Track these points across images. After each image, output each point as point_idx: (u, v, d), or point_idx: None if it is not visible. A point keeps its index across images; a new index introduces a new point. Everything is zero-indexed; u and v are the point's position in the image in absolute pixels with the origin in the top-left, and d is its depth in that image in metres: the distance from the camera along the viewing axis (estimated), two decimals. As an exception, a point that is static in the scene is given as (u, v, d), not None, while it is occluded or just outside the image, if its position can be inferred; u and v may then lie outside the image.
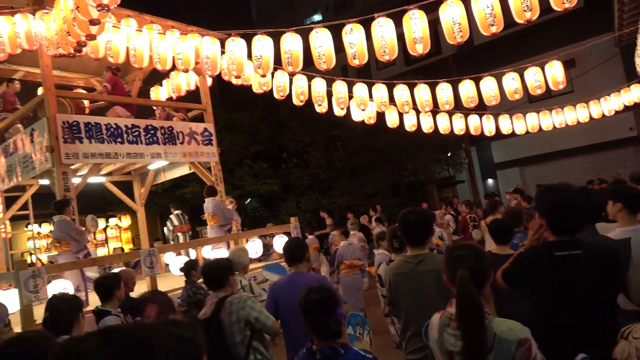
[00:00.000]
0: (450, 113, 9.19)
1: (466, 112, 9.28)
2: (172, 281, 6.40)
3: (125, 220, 17.26)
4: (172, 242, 9.29)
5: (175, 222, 9.45)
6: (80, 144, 6.11)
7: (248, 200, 17.71)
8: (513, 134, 10.16)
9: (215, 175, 7.86)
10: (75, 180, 6.53)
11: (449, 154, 18.33)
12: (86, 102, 7.43)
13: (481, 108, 8.64)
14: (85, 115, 6.80)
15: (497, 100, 7.43)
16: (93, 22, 3.71)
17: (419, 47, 4.98)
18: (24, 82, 7.86)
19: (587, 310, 2.01)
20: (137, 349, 0.81)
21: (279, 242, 7.69)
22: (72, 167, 6.43)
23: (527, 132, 10.19)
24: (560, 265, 2.06)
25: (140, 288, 6.05)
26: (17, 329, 4.87)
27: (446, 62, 17.62)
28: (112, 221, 17.20)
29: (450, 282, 1.90)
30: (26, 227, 12.98)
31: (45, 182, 7.29)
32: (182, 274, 5.19)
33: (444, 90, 7.63)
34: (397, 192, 17.12)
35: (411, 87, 7.80)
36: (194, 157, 7.52)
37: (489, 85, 7.45)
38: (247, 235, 7.78)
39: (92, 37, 4.10)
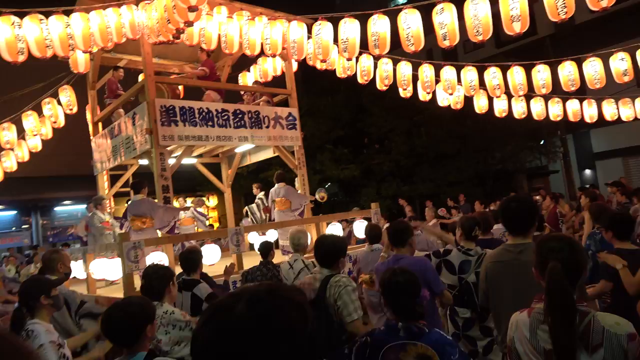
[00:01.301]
0: (547, 97, 8.54)
1: (564, 96, 8.58)
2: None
3: (213, 200, 18.25)
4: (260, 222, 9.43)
5: (263, 204, 9.70)
6: (175, 127, 6.49)
7: (328, 185, 17.91)
8: (618, 120, 9.23)
9: (298, 159, 8.00)
10: (171, 161, 6.97)
11: (542, 142, 17.14)
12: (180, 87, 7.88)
13: (581, 92, 7.95)
14: (180, 99, 7.21)
15: (602, 83, 6.80)
16: (191, 8, 3.90)
17: (516, 25, 4.66)
18: (126, 70, 8.50)
19: None
20: (287, 307, 0.83)
21: (359, 227, 7.70)
22: (168, 148, 6.86)
23: (635, 119, 9.21)
24: None
25: (227, 264, 6.37)
26: (120, 294, 5.37)
27: (542, 42, 16.43)
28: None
29: (540, 275, 1.80)
30: (126, 203, 14.16)
31: (144, 162, 7.88)
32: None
33: (541, 73, 7.10)
34: (482, 182, 16.39)
35: (504, 70, 7.35)
36: (278, 141, 7.71)
37: (593, 66, 6.83)
38: (328, 219, 7.86)
39: (189, 24, 4.32)
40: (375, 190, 15.53)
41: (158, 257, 5.58)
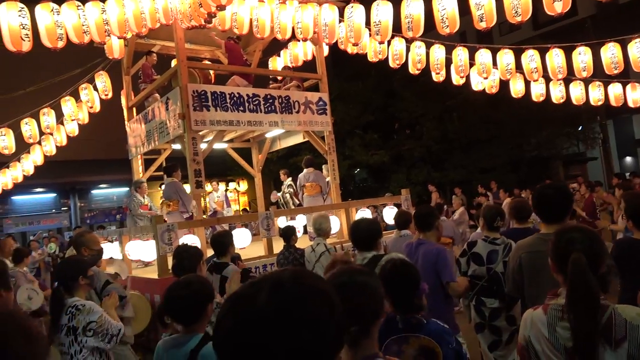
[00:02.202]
0: (587, 81, 8.19)
1: (606, 80, 8.20)
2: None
3: (243, 185, 18.48)
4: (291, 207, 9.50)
5: (291, 189, 9.78)
6: (207, 112, 6.56)
7: (357, 171, 17.82)
8: (664, 105, 8.77)
9: (328, 144, 7.97)
10: (202, 146, 7.07)
11: (580, 128, 16.54)
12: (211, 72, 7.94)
13: (624, 75, 7.59)
14: (212, 85, 7.27)
15: (648, 66, 6.45)
16: (223, -8, 3.88)
17: (558, 5, 4.47)
18: (159, 55, 8.62)
19: None
20: (310, 296, 0.81)
21: (389, 214, 7.65)
22: (200, 133, 6.95)
23: (684, 104, 8.74)
24: None
25: (257, 248, 6.47)
26: (154, 274, 5.53)
27: (582, 24, 15.76)
28: (232, 185, 18.52)
29: (557, 268, 1.73)
30: (160, 187, 14.50)
31: (177, 146, 8.02)
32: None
33: (582, 55, 6.80)
34: (516, 168, 15.99)
35: (542, 53, 7.08)
36: (308, 126, 7.69)
37: (638, 48, 6.48)
38: (357, 204, 7.84)
39: (222, 8, 4.31)
40: (405, 177, 15.38)
41: (190, 240, 5.69)
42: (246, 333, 0.76)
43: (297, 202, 8.91)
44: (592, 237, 1.72)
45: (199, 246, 5.56)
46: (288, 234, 5.23)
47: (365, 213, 7.66)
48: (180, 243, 5.29)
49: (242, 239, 6.37)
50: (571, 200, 2.49)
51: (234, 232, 6.09)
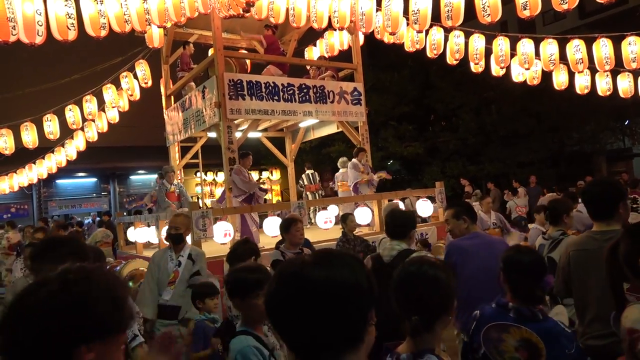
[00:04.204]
0: (636, 73, 7.79)
1: (657, 72, 7.79)
2: (319, 233, 6.75)
3: (276, 174, 18.60)
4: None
5: (306, 182, 9.99)
6: (242, 101, 6.62)
7: (390, 162, 17.64)
8: None
9: (362, 135, 7.92)
10: (237, 134, 7.15)
11: (626, 122, 15.79)
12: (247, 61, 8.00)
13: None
14: (248, 74, 7.33)
15: None
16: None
17: (608, -8, 4.25)
18: (197, 45, 8.74)
19: None
20: (348, 267, 0.92)
21: (422, 207, 7.54)
22: (235, 122, 7.03)
23: None
24: None
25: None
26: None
27: (633, 12, 14.95)
28: (265, 174, 18.68)
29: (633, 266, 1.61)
30: (195, 174, 14.80)
31: (212, 134, 8.14)
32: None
33: (632, 45, 6.48)
34: (555, 163, 15.45)
35: (588, 43, 6.79)
36: (342, 116, 7.66)
37: (695, 38, 6.12)
38: (390, 196, 7.77)
39: (258, -3, 4.31)
40: (440, 169, 15.10)
41: (224, 227, 5.79)
42: (300, 301, 0.88)
43: (310, 195, 9.59)
44: None
45: (232, 233, 5.67)
46: (343, 219, 5.21)
47: (399, 205, 7.59)
48: (214, 229, 5.41)
49: (273, 228, 6.42)
50: (621, 197, 2.36)
51: (265, 221, 6.17)
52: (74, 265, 0.98)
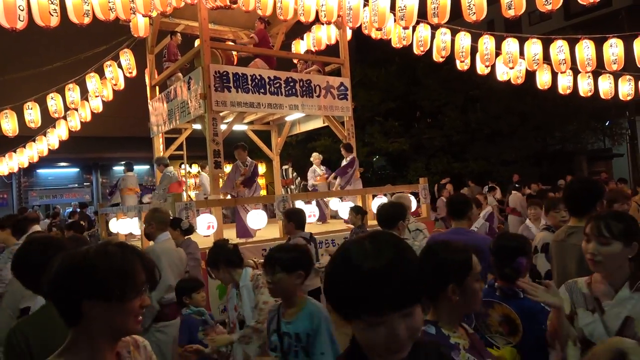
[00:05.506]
0: (617, 75, 7.94)
1: (637, 74, 7.94)
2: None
3: (261, 168, 18.55)
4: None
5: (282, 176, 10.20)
6: (228, 93, 6.58)
7: (376, 158, 17.72)
8: (698, 102, 8.48)
9: (347, 130, 7.94)
10: (223, 127, 7.11)
11: (607, 123, 16.09)
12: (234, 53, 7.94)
13: (656, 70, 7.36)
14: (234, 66, 7.28)
15: (683, 61, 6.23)
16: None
17: (591, -6, 4.32)
18: (183, 35, 8.65)
19: None
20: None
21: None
22: (221, 114, 6.99)
23: None
24: None
25: (272, 230, 6.52)
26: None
27: (616, 15, 15.22)
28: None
29: None
30: (179, 166, 14.68)
31: (197, 126, 8.08)
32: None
33: (614, 48, 6.60)
34: (538, 162, 15.69)
35: (571, 44, 6.89)
36: (328, 110, 7.67)
37: (674, 42, 6.26)
38: (374, 191, 7.82)
39: (245, -11, 4.28)
40: (424, 166, 15.24)
41: (208, 219, 5.78)
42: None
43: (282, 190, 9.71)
44: None
45: (215, 225, 5.66)
46: (357, 211, 5.27)
47: (382, 200, 7.64)
48: (197, 221, 5.38)
49: (258, 221, 6.41)
50: (598, 196, 2.45)
51: (249, 214, 6.16)
52: (104, 242, 1.27)
